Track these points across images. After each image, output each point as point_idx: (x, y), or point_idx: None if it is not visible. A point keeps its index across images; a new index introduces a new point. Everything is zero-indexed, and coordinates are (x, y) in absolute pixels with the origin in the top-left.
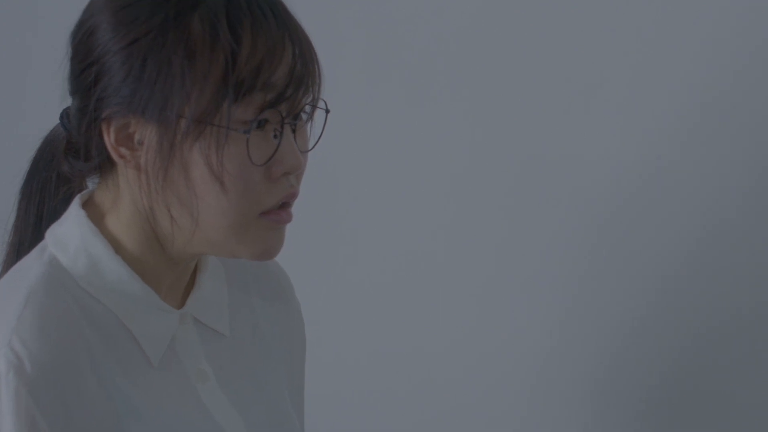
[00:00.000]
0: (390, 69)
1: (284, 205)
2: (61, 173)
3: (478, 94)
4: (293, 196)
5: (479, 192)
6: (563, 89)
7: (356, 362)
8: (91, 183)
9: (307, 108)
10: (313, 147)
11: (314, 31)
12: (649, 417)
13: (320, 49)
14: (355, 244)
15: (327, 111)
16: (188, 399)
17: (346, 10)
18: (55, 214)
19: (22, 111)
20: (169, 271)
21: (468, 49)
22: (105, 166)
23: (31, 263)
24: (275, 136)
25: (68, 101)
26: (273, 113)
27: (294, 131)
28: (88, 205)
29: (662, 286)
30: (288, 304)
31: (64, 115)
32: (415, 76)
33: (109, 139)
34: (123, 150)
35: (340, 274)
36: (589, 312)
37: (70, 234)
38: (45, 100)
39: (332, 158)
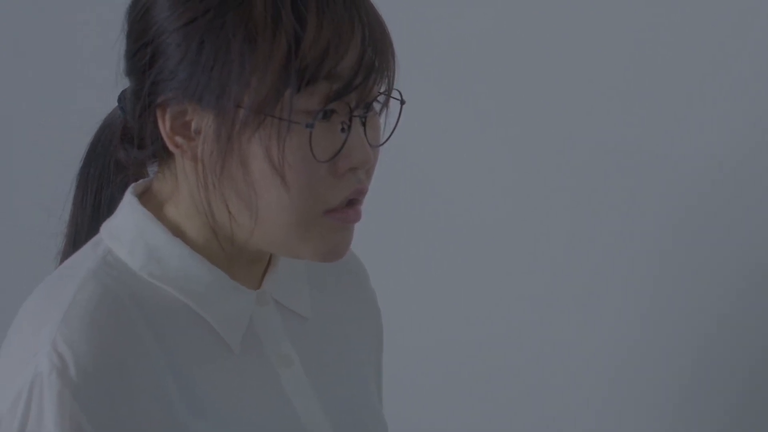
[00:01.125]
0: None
1: (352, 202)
2: (118, 160)
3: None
4: (361, 192)
5: (549, 188)
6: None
7: (431, 351)
8: (151, 171)
9: (381, 97)
10: (386, 141)
11: None
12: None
13: None
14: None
15: (402, 102)
16: (268, 386)
17: None
18: (113, 202)
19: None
20: (237, 259)
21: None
22: (161, 154)
23: (85, 257)
24: (343, 130)
25: (124, 82)
26: (341, 104)
27: (364, 123)
28: (145, 196)
29: (745, 286)
30: (364, 293)
31: (122, 97)
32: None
33: (165, 126)
34: (179, 139)
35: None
36: (666, 313)
37: (124, 224)
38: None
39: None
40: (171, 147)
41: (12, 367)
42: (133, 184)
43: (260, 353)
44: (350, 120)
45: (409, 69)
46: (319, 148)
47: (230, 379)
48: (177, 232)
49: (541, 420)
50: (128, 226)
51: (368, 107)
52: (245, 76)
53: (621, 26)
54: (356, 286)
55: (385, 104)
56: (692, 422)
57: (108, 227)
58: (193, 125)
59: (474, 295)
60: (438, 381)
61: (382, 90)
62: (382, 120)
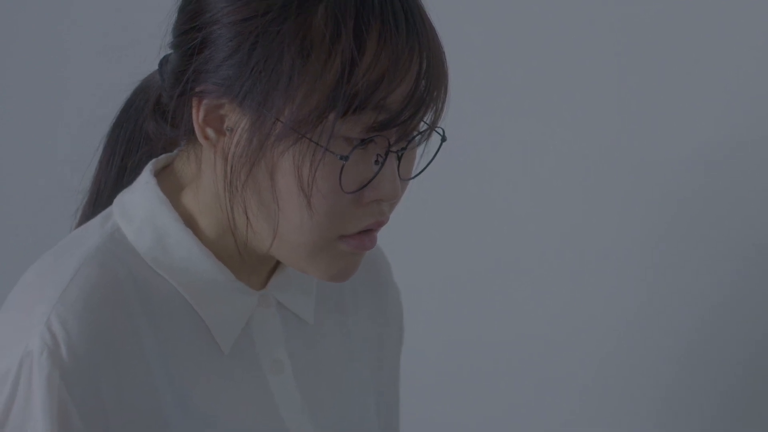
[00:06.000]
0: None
1: (368, 231)
2: (147, 131)
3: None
4: (381, 224)
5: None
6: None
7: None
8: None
9: (423, 127)
10: (417, 176)
11: None
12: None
13: None
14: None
15: (443, 138)
16: (256, 392)
17: None
18: (138, 170)
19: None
20: (246, 259)
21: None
22: (191, 137)
23: (92, 231)
24: (376, 162)
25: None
26: (380, 137)
27: (400, 158)
28: (165, 173)
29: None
30: (384, 294)
31: (163, 63)
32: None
33: (198, 116)
34: (210, 131)
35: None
36: (658, 313)
37: (137, 203)
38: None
39: None
40: (200, 138)
41: (3, 340)
42: (153, 160)
43: (252, 357)
44: (386, 155)
45: None
46: (348, 178)
47: (219, 380)
48: (190, 221)
49: (538, 416)
50: (141, 206)
51: (409, 142)
52: (291, 90)
53: (613, 31)
54: (376, 287)
55: (427, 137)
56: (678, 423)
57: (121, 202)
58: (227, 122)
59: (475, 294)
60: (441, 378)
61: (427, 120)
62: (419, 150)
